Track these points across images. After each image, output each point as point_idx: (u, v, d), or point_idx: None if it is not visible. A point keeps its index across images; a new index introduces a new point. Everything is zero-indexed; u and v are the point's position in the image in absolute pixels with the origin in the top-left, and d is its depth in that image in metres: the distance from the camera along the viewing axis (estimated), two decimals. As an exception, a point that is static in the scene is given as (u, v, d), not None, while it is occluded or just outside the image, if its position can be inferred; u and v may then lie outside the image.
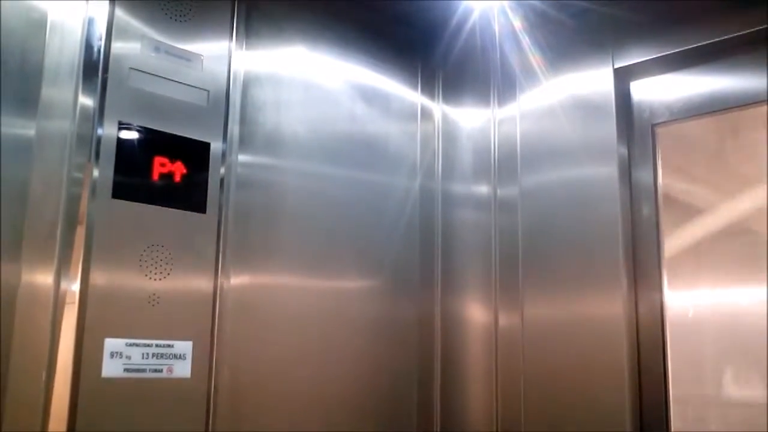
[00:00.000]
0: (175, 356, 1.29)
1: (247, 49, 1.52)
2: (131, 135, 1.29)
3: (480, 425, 1.71)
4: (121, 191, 1.26)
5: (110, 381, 1.21)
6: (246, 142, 1.50)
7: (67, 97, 1.26)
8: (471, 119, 1.88)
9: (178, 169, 1.34)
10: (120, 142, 1.28)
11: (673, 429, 1.48)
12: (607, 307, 1.52)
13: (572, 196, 1.63)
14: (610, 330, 1.51)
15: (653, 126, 1.61)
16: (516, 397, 1.65)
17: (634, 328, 1.52)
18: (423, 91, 1.89)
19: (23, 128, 1.23)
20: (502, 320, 1.72)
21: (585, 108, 1.63)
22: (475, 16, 1.82)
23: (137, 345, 1.25)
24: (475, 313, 1.77)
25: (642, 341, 1.52)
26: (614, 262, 1.53)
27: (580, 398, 1.53)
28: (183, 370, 1.30)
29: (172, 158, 1.33)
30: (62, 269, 1.21)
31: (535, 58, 1.74)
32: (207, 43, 1.43)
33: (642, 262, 1.56)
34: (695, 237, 1.55)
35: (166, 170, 1.32)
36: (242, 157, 1.49)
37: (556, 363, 1.58)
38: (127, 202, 1.27)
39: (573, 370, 1.55)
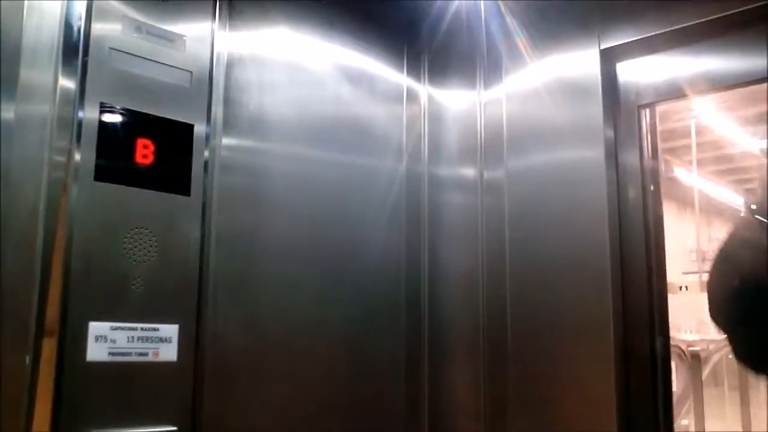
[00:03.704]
0: (160, 339, 1.29)
1: (230, 29, 1.51)
2: (113, 117, 1.28)
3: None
4: (103, 174, 1.25)
5: (95, 365, 1.21)
6: (230, 124, 1.48)
7: (46, 79, 1.24)
8: (457, 101, 1.87)
9: (162, 152, 1.32)
10: (102, 124, 1.26)
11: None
12: (594, 291, 1.53)
13: (559, 178, 1.63)
14: (597, 317, 1.51)
15: (639, 107, 1.60)
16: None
17: (620, 311, 1.53)
18: (409, 72, 1.88)
19: (2, 111, 1.21)
20: (489, 309, 1.72)
21: (571, 90, 1.63)
22: (461, -3, 1.80)
23: (122, 328, 1.24)
24: (462, 291, 1.77)
25: (628, 326, 1.53)
26: (600, 244, 1.53)
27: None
28: (169, 353, 1.29)
29: (155, 140, 1.31)
30: (45, 253, 1.19)
31: (521, 40, 1.73)
32: (189, 24, 1.41)
33: (629, 245, 1.56)
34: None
35: (149, 152, 1.30)
36: (226, 140, 1.47)
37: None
38: (109, 184, 1.26)
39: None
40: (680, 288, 5.82)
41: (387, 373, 1.71)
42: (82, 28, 1.26)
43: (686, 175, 6.43)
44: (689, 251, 6.44)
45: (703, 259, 6.27)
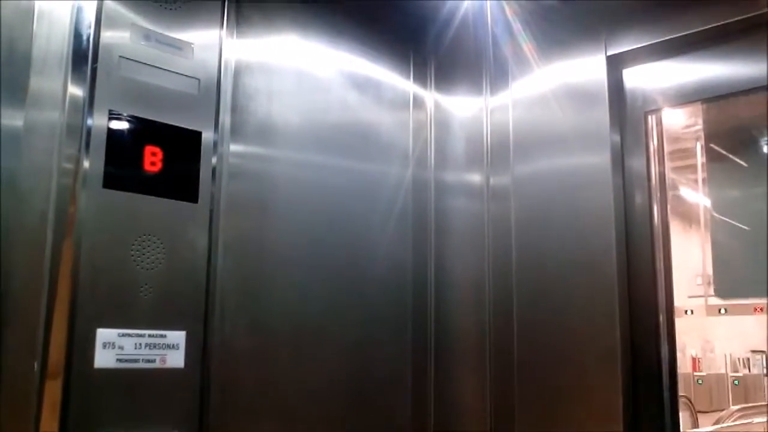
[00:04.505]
0: (168, 346, 1.29)
1: (238, 37, 1.51)
2: (121, 124, 1.28)
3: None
4: (111, 181, 1.25)
5: (103, 371, 1.21)
6: (237, 131, 1.49)
7: (56, 87, 1.24)
8: (463, 107, 1.87)
9: (170, 159, 1.32)
10: (110, 131, 1.26)
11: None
12: (601, 297, 1.53)
13: (565, 184, 1.62)
14: (604, 322, 1.51)
15: (646, 113, 1.60)
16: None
17: (627, 316, 1.53)
18: (415, 79, 1.88)
19: (11, 118, 1.21)
20: (495, 315, 1.72)
21: (578, 96, 1.63)
22: (467, 3, 1.81)
23: (130, 335, 1.25)
24: (468, 297, 1.77)
25: (635, 331, 1.53)
26: (607, 249, 1.53)
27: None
28: (176, 360, 1.30)
29: (163, 148, 1.32)
30: (53, 260, 1.20)
31: (527, 46, 1.73)
32: (197, 31, 1.41)
33: (635, 250, 1.56)
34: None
35: (157, 160, 1.31)
36: (234, 147, 1.47)
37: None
38: (118, 192, 1.26)
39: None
40: (686, 312, 5.80)
41: (394, 379, 1.71)
42: (91, 37, 1.27)
43: (692, 194, 6.40)
44: (694, 275, 6.38)
45: (709, 283, 6.21)
